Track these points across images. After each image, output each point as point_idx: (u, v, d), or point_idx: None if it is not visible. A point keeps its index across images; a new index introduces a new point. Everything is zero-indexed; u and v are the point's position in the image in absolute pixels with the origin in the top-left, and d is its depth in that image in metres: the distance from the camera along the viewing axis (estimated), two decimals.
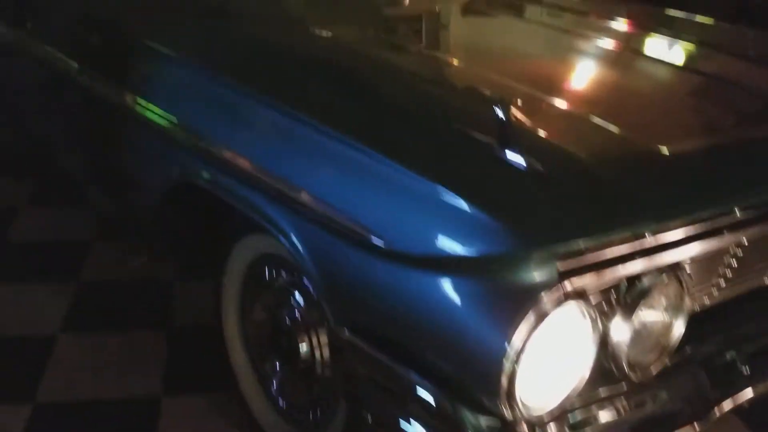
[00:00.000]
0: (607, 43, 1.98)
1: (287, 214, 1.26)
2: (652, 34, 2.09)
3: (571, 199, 1.09)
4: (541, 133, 1.25)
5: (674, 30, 2.16)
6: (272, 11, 1.86)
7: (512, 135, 1.10)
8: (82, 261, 2.42)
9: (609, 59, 1.95)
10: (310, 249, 1.22)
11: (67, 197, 2.73)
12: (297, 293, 1.47)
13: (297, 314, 1.47)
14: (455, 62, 1.76)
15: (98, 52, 1.89)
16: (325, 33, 1.73)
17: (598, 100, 1.57)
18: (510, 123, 1.11)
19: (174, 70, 1.65)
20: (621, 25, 2.16)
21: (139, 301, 2.22)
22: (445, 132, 1.25)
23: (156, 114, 1.63)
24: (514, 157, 1.09)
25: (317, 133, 1.26)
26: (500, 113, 1.10)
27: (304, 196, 1.23)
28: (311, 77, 1.46)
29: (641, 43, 2.09)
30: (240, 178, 1.38)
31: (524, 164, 1.09)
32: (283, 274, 1.51)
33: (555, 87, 1.57)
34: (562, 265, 0.99)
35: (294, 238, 1.26)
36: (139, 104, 1.68)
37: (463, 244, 1.00)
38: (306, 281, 1.41)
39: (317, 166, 1.24)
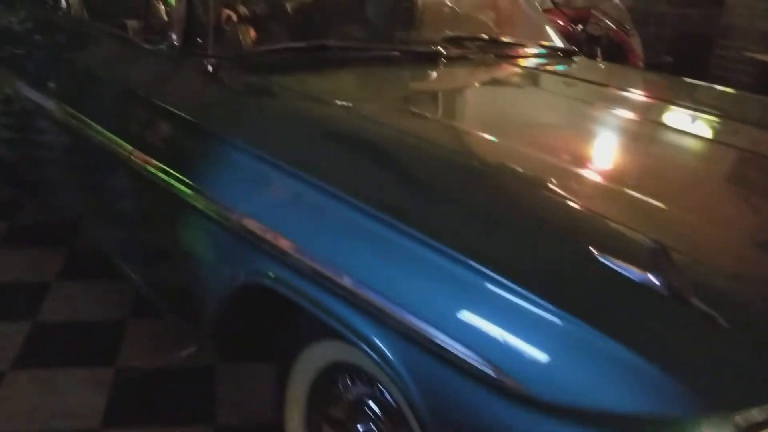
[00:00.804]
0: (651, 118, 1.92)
1: (388, 334, 1.15)
2: (686, 106, 2.04)
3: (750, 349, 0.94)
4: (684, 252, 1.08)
5: (701, 101, 2.13)
6: (339, 96, 1.79)
7: (674, 274, 0.97)
8: (118, 344, 2.32)
9: (658, 137, 1.86)
10: (411, 372, 1.10)
11: (100, 270, 2.64)
12: (374, 405, 1.37)
13: (375, 429, 1.36)
14: (501, 141, 1.59)
15: (156, 136, 1.82)
16: (395, 123, 1.65)
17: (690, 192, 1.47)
18: (671, 262, 1.00)
19: (241, 160, 1.57)
20: (647, 97, 2.12)
21: (181, 392, 2.11)
22: (570, 250, 1.08)
23: (218, 206, 1.55)
24: (674, 295, 0.96)
25: (416, 242, 1.14)
26: (656, 255, 0.99)
27: (408, 318, 1.10)
28: (396, 173, 1.36)
29: (679, 116, 2.02)
30: (318, 282, 1.28)
31: (688, 303, 0.94)
32: (359, 383, 1.40)
33: (634, 174, 1.48)
34: None
35: (391, 358, 1.15)
36: (200, 195, 1.61)
37: (619, 397, 0.87)
38: (387, 394, 1.31)
39: (421, 284, 1.13)
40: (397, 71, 2.04)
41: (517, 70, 2.28)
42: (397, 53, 2.10)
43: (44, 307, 2.53)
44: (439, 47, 2.12)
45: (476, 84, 2.15)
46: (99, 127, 2.04)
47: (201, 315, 1.71)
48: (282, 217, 1.41)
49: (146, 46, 2.07)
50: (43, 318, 2.47)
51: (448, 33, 2.34)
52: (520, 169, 1.35)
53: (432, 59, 2.10)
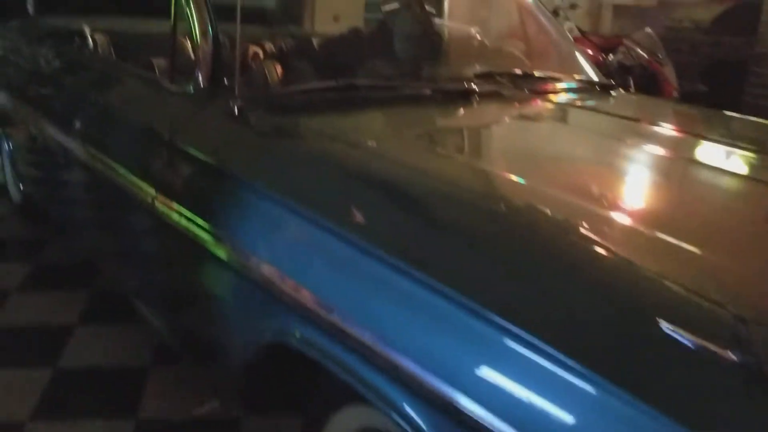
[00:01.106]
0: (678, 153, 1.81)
1: (419, 402, 1.05)
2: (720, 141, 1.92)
3: None
4: None
5: (744, 137, 2.01)
6: (367, 138, 1.71)
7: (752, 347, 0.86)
8: (139, 393, 2.24)
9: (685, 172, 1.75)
10: None
11: (122, 313, 2.58)
12: None
13: None
14: (535, 185, 1.46)
15: (180, 180, 1.76)
16: (425, 167, 1.55)
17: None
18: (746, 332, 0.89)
19: (265, 206, 1.49)
20: (689, 134, 2.00)
21: None
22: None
23: (242, 256, 1.47)
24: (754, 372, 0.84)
25: (451, 303, 1.05)
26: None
27: (441, 386, 1.01)
28: (425, 223, 1.26)
29: (722, 154, 1.89)
30: (345, 344, 1.19)
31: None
32: None
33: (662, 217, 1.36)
34: None
35: (423, 428, 1.05)
36: (224, 243, 1.53)
37: None
38: None
39: (455, 349, 1.03)
40: (428, 110, 1.95)
41: (552, 106, 2.18)
42: (427, 91, 2.02)
43: (65, 352, 2.47)
44: (471, 84, 2.03)
45: (509, 122, 2.04)
46: (123, 170, 1.99)
47: (225, 368, 1.62)
48: (307, 269, 1.32)
49: (172, 86, 2.02)
50: (63, 364, 2.40)
51: (480, 68, 2.26)
52: (556, 216, 1.24)
53: (464, 96, 2.02)
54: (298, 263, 1.35)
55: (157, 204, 1.77)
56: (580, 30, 6.38)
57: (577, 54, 2.69)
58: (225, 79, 1.89)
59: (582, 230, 1.16)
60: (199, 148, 1.75)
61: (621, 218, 1.27)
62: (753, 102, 5.92)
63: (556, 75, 2.36)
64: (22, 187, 3.48)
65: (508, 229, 1.18)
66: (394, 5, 2.51)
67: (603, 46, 6.10)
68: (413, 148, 1.65)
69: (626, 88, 3.99)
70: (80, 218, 2.57)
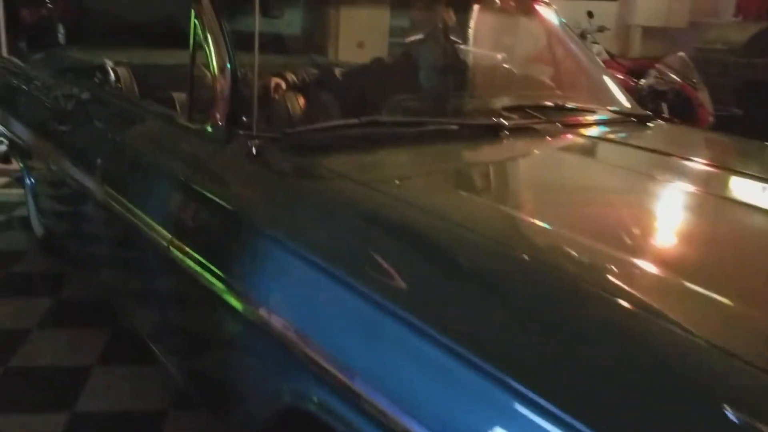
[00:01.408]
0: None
1: None
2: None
3: None
4: None
5: None
6: (391, 181, 1.62)
7: None
8: None
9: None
10: None
11: (141, 354, 2.50)
12: None
13: None
14: (569, 233, 1.34)
15: (197, 226, 1.68)
16: (453, 214, 1.43)
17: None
18: None
19: (282, 257, 1.40)
20: (742, 174, 1.84)
21: None
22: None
23: (258, 309, 1.38)
24: None
25: (486, 378, 0.95)
26: None
27: None
28: (452, 278, 1.16)
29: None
30: (368, 414, 1.08)
31: None
32: None
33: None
34: None
35: None
36: (239, 295, 1.44)
37: None
38: None
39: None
40: (456, 148, 1.86)
41: (586, 141, 2.07)
42: (455, 127, 1.92)
43: (82, 394, 2.39)
44: (500, 118, 1.93)
45: (541, 160, 1.93)
46: (139, 212, 1.92)
47: (242, 424, 1.53)
48: (326, 327, 1.23)
49: (190, 124, 1.96)
50: (80, 408, 2.33)
51: (510, 101, 2.17)
52: (585, 269, 1.14)
53: (493, 132, 1.92)
54: (316, 320, 1.25)
55: (173, 249, 1.69)
56: (608, 53, 6.27)
57: (611, 82, 2.58)
58: (244, 117, 1.82)
59: (613, 284, 1.07)
60: (215, 191, 1.67)
61: (658, 270, 1.16)
62: None
63: (591, 107, 2.26)
64: (43, 222, 3.45)
65: (532, 285, 1.09)
66: (419, 36, 2.44)
67: (632, 70, 5.97)
68: (439, 191, 1.56)
69: (659, 114, 3.86)
70: (98, 257, 2.52)
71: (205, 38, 1.94)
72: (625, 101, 2.45)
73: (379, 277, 1.18)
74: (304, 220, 1.42)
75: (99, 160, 2.29)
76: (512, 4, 2.72)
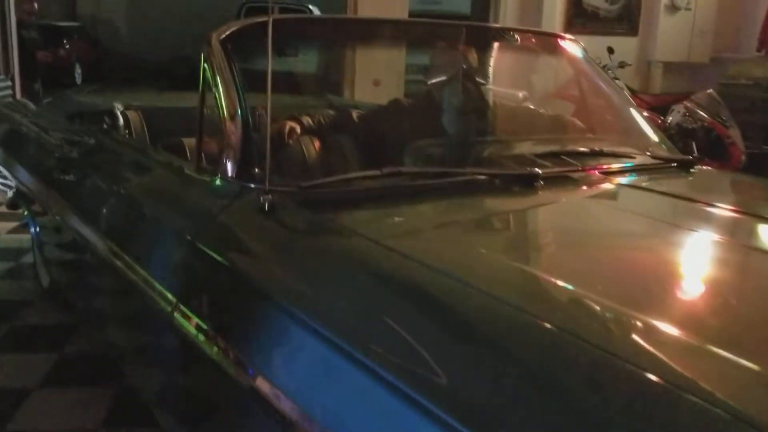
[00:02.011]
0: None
1: None
2: None
3: None
4: None
5: None
6: (417, 243, 1.45)
7: None
8: None
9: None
10: None
11: (144, 419, 2.33)
12: None
13: None
14: (607, 302, 1.18)
15: (204, 292, 1.53)
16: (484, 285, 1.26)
17: None
18: None
19: (294, 332, 1.24)
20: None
21: None
22: None
23: (268, 389, 1.21)
24: None
25: None
26: None
27: None
28: (476, 360, 1.02)
29: None
30: None
31: None
32: None
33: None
34: None
35: None
36: (247, 373, 1.28)
37: None
38: None
39: None
40: (487, 202, 1.69)
41: (627, 191, 1.88)
42: (484, 177, 1.75)
43: None
44: (534, 168, 1.77)
45: (579, 214, 1.73)
46: (142, 271, 1.77)
47: None
48: (340, 414, 1.07)
49: (198, 176, 1.81)
50: None
51: (542, 146, 2.01)
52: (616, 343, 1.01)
53: (527, 181, 1.75)
54: (329, 406, 1.09)
55: (177, 316, 1.54)
56: (630, 89, 6.12)
57: (645, 123, 2.42)
58: (255, 168, 1.68)
59: (639, 353, 0.97)
60: (223, 252, 1.52)
61: (689, 338, 1.04)
62: None
63: (629, 152, 2.09)
64: (49, 271, 3.32)
65: (551, 357, 0.99)
66: (441, 76, 2.30)
67: (655, 106, 5.82)
68: (462, 252, 1.38)
69: (687, 153, 3.68)
70: (101, 313, 2.36)
71: (215, 83, 1.81)
72: (661, 144, 2.29)
73: (392, 357, 1.04)
74: (319, 289, 1.26)
75: (103, 213, 2.15)
76: (537, 41, 2.58)
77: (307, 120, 2.37)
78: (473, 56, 2.40)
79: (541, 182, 1.75)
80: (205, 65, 1.85)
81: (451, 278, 1.19)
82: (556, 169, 1.83)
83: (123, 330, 2.12)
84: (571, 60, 2.50)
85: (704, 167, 2.17)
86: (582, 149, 1.99)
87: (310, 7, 12.05)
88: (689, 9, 6.83)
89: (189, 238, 1.62)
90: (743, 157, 4.04)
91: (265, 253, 1.46)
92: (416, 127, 2.09)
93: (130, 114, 2.86)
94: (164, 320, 1.57)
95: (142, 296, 1.73)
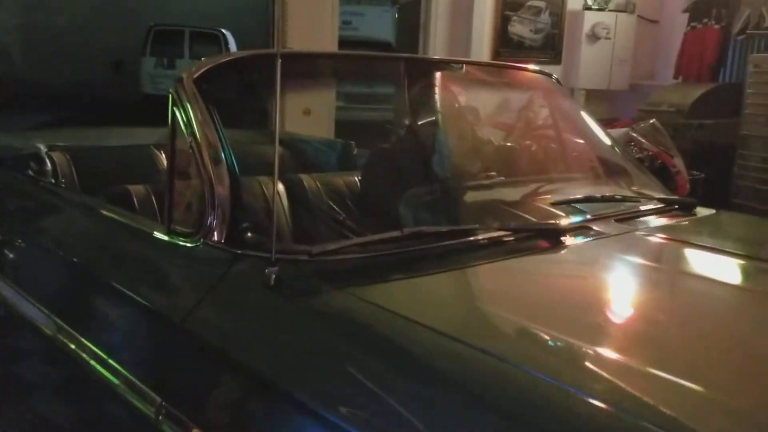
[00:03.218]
0: None
1: None
2: None
3: None
4: None
5: None
6: (443, 317, 1.24)
7: None
8: None
9: None
10: None
11: None
12: None
13: None
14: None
15: (201, 393, 1.24)
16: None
17: None
18: None
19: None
20: None
21: None
22: None
23: None
24: None
25: None
26: None
27: None
28: None
29: None
30: None
31: None
32: None
33: None
34: None
35: None
36: None
37: None
38: None
39: None
40: (520, 264, 1.48)
41: (646, 239, 1.73)
42: (505, 235, 1.55)
43: None
44: (560, 222, 1.59)
45: (624, 276, 1.54)
46: (110, 361, 1.45)
47: None
48: None
49: (172, 239, 1.53)
50: None
51: (549, 192, 1.85)
52: None
53: (552, 236, 1.57)
54: None
55: (164, 424, 1.24)
56: None
57: (633, 162, 2.33)
58: (249, 233, 1.42)
59: None
60: (222, 342, 1.25)
61: None
62: (744, 185, 5.75)
63: (639, 195, 1.97)
64: None
65: None
66: (429, 118, 2.11)
67: None
68: (517, 333, 1.19)
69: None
70: (54, 417, 1.96)
71: (191, 129, 1.54)
72: (652, 182, 2.19)
73: None
74: (340, 383, 1.03)
75: (41, 284, 1.80)
76: (512, 76, 2.44)
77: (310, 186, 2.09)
78: (455, 95, 2.23)
79: (568, 236, 1.58)
80: (176, 109, 1.58)
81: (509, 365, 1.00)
82: (578, 220, 1.67)
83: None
84: (551, 96, 2.37)
85: (703, 209, 2.07)
86: (595, 195, 1.85)
87: (224, 31, 11.67)
88: (609, 38, 7.00)
89: (175, 321, 1.33)
90: (688, 186, 4.09)
91: (282, 343, 1.20)
92: (413, 175, 1.88)
93: (57, 156, 2.49)
94: (148, 427, 1.27)
95: (113, 394, 1.42)
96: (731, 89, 6.12)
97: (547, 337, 1.17)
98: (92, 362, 1.49)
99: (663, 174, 4.16)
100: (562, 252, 1.54)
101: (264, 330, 1.26)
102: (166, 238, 1.55)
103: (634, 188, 2.08)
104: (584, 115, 2.39)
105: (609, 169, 2.19)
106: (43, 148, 2.54)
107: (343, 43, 5.69)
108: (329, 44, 5.29)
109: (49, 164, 2.41)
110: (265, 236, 1.37)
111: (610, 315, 1.32)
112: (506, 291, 1.40)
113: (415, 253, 1.42)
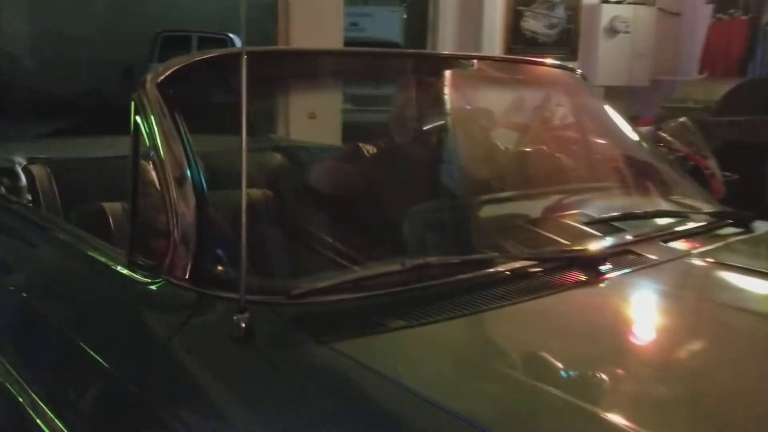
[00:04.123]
0: None
1: None
2: None
3: None
4: None
5: None
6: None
7: None
8: None
9: None
10: None
11: None
12: None
13: None
14: None
15: None
16: None
17: None
18: None
19: None
20: None
21: None
22: None
23: None
24: None
25: None
26: None
27: None
28: None
29: None
30: None
31: None
32: None
33: None
34: None
35: None
36: None
37: None
38: None
39: None
40: (543, 307, 1.17)
41: (711, 268, 1.42)
42: (531, 264, 1.28)
43: None
44: (599, 247, 1.31)
45: (686, 321, 1.23)
46: (50, 414, 1.20)
47: None
48: None
49: (132, 275, 1.27)
50: None
51: (584, 209, 1.58)
52: None
53: (590, 266, 1.28)
54: None
55: None
56: None
57: (673, 170, 2.05)
58: (219, 266, 1.16)
59: None
60: (176, 409, 0.99)
61: None
62: None
63: (683, 210, 1.68)
64: None
65: None
66: (436, 122, 1.84)
67: None
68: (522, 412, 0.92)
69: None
70: None
71: (152, 137, 1.29)
72: (697, 192, 1.91)
73: None
74: None
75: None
76: (536, 73, 2.16)
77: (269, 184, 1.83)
78: (467, 95, 1.97)
79: (606, 264, 1.30)
80: (138, 118, 1.33)
81: None
82: (619, 244, 1.39)
83: None
84: (577, 94, 2.10)
85: (761, 223, 1.78)
86: (635, 212, 1.57)
87: (231, 35, 11.46)
88: (628, 32, 6.69)
89: (125, 382, 1.08)
90: (723, 189, 3.79)
91: (253, 419, 0.93)
92: (417, 188, 1.61)
93: (36, 170, 2.25)
94: None
95: None
96: (762, 84, 5.78)
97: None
98: (28, 410, 1.23)
99: (695, 177, 3.86)
100: (603, 287, 1.25)
101: (226, 399, 1.00)
102: (125, 271, 1.30)
103: (677, 199, 1.80)
104: (615, 115, 2.11)
105: (647, 179, 1.91)
106: (20, 161, 2.31)
107: (350, 44, 5.45)
108: (334, 44, 5.06)
109: (24, 180, 2.18)
110: (235, 270, 1.11)
111: (691, 391, 1.01)
112: (540, 347, 1.09)
113: (421, 292, 1.15)
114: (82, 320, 1.30)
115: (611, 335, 1.13)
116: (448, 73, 1.91)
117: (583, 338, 1.10)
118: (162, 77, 1.36)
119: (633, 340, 1.14)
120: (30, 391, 1.26)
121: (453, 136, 1.83)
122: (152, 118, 1.31)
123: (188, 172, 1.24)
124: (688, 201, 1.80)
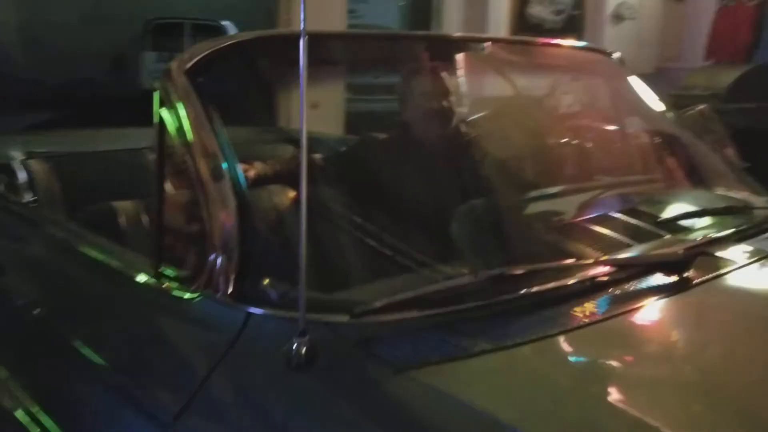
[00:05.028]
0: None
1: None
2: None
3: None
4: None
5: None
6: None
7: None
8: None
9: None
10: None
11: None
12: None
13: None
14: None
15: None
16: None
17: None
18: None
19: None
20: None
21: None
22: None
23: None
24: None
25: None
26: None
27: None
28: None
29: None
30: None
31: None
32: None
33: None
34: None
35: None
36: None
37: None
38: None
39: None
40: (637, 322, 1.03)
41: None
42: (611, 271, 1.13)
43: None
44: (685, 250, 1.17)
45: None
46: None
47: None
48: None
49: (161, 289, 1.12)
50: None
51: (649, 207, 1.44)
52: None
53: (671, 273, 1.15)
54: None
55: None
56: None
57: (726, 159, 1.92)
58: (270, 280, 1.02)
59: None
60: None
61: None
62: None
63: (751, 202, 1.56)
64: None
65: None
66: (480, 112, 1.70)
67: None
68: None
69: None
70: None
71: (181, 130, 1.14)
72: (753, 185, 1.79)
73: None
74: None
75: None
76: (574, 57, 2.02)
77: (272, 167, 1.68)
78: (507, 81, 1.82)
79: (692, 270, 1.16)
80: (163, 111, 1.17)
81: None
82: (699, 246, 1.25)
83: None
84: (618, 80, 1.97)
85: None
86: (718, 206, 1.43)
87: (225, 23, 11.20)
88: (634, 18, 6.56)
89: (164, 415, 0.93)
90: None
91: None
92: (461, 184, 1.46)
93: (35, 166, 2.09)
94: None
95: None
96: None
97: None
98: None
99: None
100: (695, 295, 1.11)
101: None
102: (154, 285, 1.15)
103: (739, 194, 1.68)
104: (659, 102, 1.98)
105: (704, 171, 1.79)
106: (18, 157, 2.15)
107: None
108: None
109: (21, 177, 2.02)
110: (289, 284, 0.97)
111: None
112: (656, 372, 0.94)
113: (499, 307, 1.01)
114: (107, 347, 1.15)
115: (737, 353, 0.99)
116: (478, 57, 1.77)
117: (702, 360, 0.96)
118: (189, 64, 1.21)
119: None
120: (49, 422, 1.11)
121: (496, 129, 1.69)
122: (181, 109, 1.16)
123: (226, 168, 1.09)
124: (750, 195, 1.68)
